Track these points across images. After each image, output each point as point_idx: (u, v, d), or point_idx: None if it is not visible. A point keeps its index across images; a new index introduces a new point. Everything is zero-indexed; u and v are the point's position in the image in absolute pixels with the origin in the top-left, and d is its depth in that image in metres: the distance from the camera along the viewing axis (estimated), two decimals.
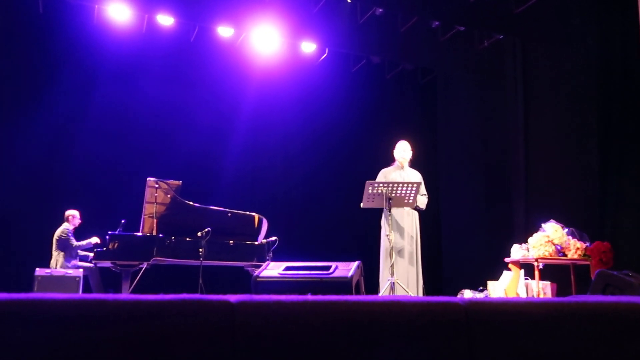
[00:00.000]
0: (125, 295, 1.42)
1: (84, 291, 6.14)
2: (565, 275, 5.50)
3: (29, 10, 7.11)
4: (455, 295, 5.87)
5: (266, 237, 6.20)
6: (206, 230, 5.67)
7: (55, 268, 6.37)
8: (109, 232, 5.60)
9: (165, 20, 7.21)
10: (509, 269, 5.55)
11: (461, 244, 8.04)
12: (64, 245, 6.53)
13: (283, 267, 3.87)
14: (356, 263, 3.84)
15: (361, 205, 5.09)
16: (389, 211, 5.05)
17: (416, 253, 5.39)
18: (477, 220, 7.86)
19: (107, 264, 5.62)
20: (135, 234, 5.74)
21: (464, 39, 7.77)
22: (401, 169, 5.61)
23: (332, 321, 1.47)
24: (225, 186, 8.06)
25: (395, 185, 5.00)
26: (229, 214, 6.08)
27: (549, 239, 5.19)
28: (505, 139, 7.48)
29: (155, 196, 5.80)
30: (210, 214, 6.01)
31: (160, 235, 5.71)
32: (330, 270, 3.74)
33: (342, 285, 3.60)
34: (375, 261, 5.55)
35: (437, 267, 8.16)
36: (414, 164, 5.73)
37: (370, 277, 4.79)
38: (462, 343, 1.58)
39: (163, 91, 7.86)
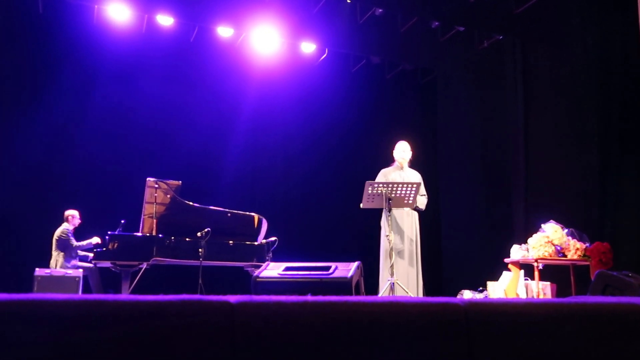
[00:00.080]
0: (125, 295, 1.42)
1: (83, 291, 6.14)
2: (565, 276, 5.50)
3: (29, 10, 7.11)
4: (455, 295, 5.87)
5: (266, 237, 6.20)
6: (206, 230, 5.67)
7: (55, 268, 6.37)
8: (109, 232, 5.60)
9: (165, 20, 7.21)
10: (509, 270, 5.55)
11: (461, 244, 8.04)
12: (63, 245, 6.53)
13: (283, 268, 3.88)
14: (356, 263, 3.84)
15: (361, 205, 5.09)
16: (389, 211, 5.05)
17: (416, 253, 5.39)
18: (476, 220, 7.86)
19: (106, 264, 5.62)
20: (135, 234, 5.74)
21: (464, 40, 7.77)
22: (401, 169, 5.61)
23: (332, 322, 1.47)
24: (225, 186, 8.06)
25: (395, 185, 5.00)
26: (229, 214, 6.08)
27: (549, 239, 5.19)
28: (505, 139, 7.48)
29: (155, 196, 5.80)
30: (210, 214, 6.01)
31: (160, 235, 5.71)
32: (330, 271, 3.75)
33: (342, 285, 3.60)
34: (375, 262, 5.54)
35: (437, 268, 8.16)
36: (413, 164, 5.73)
37: (370, 277, 4.79)
38: (461, 344, 1.58)
39: (163, 91, 7.85)
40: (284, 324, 1.43)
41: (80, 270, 6.24)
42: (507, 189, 7.34)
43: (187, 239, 5.74)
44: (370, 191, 4.96)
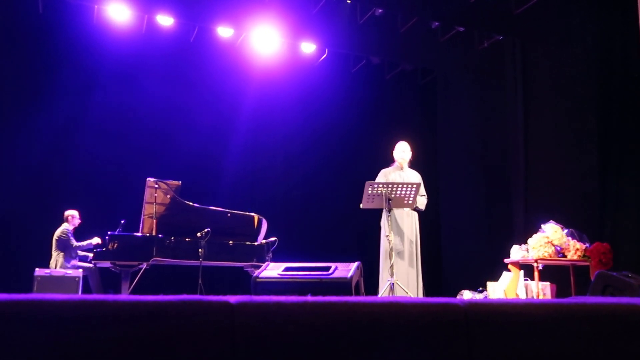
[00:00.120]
0: (125, 295, 1.42)
1: (83, 291, 6.14)
2: (564, 276, 5.50)
3: (29, 11, 7.11)
4: (455, 296, 5.87)
5: (266, 237, 6.20)
6: (206, 230, 5.67)
7: (55, 268, 6.37)
8: (109, 232, 5.60)
9: (165, 20, 7.21)
10: (509, 270, 5.55)
11: (461, 244, 8.04)
12: (63, 245, 6.53)
13: (283, 268, 3.88)
14: (356, 264, 3.84)
15: (361, 205, 5.09)
16: (389, 212, 5.05)
17: (416, 254, 5.39)
18: (476, 220, 7.86)
19: (106, 264, 5.62)
20: (135, 234, 5.74)
21: (464, 40, 7.77)
22: (401, 170, 5.61)
23: (331, 322, 1.47)
24: (225, 186, 8.06)
25: (395, 185, 5.00)
26: (229, 214, 6.08)
27: (549, 239, 5.19)
28: (505, 139, 7.48)
29: (155, 196, 5.80)
30: (210, 214, 6.00)
31: (160, 235, 5.71)
32: (330, 271, 3.75)
33: (341, 286, 3.60)
34: (375, 262, 5.55)
35: (437, 268, 8.16)
36: (413, 164, 5.73)
37: (370, 277, 4.79)
38: (461, 344, 1.58)
39: (163, 91, 7.86)
40: (283, 324, 1.43)
41: (80, 270, 6.24)
42: (507, 189, 7.34)
43: (187, 239, 5.74)
44: (370, 191, 4.96)
